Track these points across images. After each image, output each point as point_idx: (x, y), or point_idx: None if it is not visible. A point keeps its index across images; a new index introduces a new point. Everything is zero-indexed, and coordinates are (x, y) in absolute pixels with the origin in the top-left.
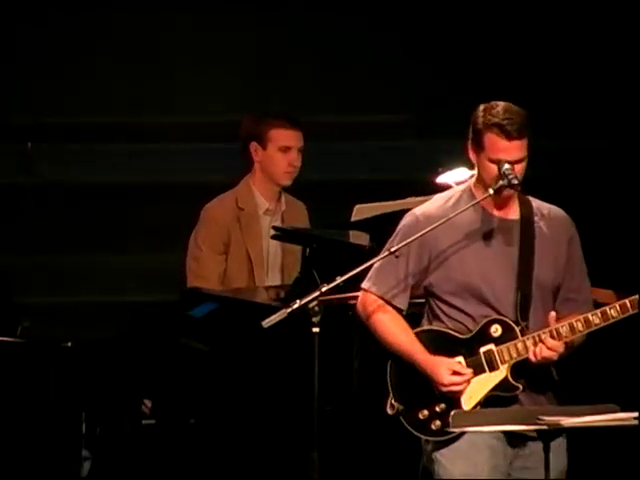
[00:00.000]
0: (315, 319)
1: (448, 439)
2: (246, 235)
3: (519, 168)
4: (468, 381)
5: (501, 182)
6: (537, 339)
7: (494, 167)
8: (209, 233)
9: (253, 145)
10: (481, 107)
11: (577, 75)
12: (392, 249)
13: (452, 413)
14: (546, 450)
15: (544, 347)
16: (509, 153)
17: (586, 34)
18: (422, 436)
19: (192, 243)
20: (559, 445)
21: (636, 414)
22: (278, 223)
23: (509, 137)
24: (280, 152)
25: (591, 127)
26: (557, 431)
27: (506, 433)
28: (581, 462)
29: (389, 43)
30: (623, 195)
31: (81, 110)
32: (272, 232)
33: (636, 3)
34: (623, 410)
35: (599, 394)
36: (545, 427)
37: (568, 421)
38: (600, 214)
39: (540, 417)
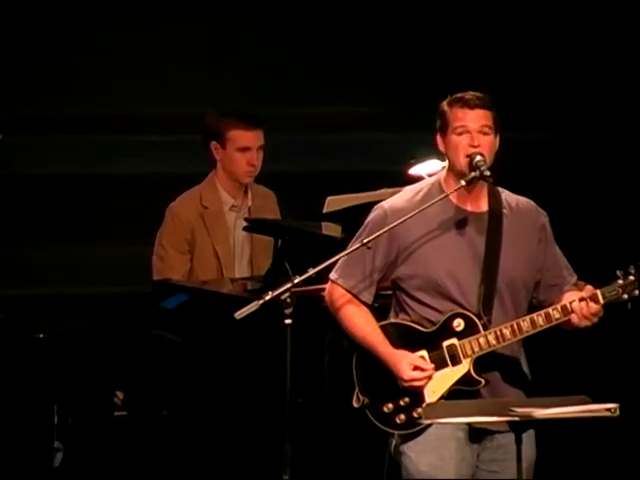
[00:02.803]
0: (287, 311)
1: (413, 432)
2: (212, 233)
3: (485, 141)
4: (430, 376)
5: (473, 174)
6: (498, 334)
7: (461, 139)
8: (173, 232)
9: (213, 144)
10: None
11: (553, 68)
12: (364, 241)
13: (424, 405)
14: (518, 442)
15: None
16: (472, 120)
17: (559, 26)
18: (387, 429)
19: (157, 242)
20: (528, 436)
21: (608, 405)
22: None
23: (471, 106)
24: (239, 152)
25: (566, 119)
26: (529, 423)
27: (472, 426)
28: (550, 453)
29: (360, 35)
30: (601, 187)
31: (51, 102)
32: (243, 224)
33: None
34: (594, 401)
35: (569, 386)
36: (517, 418)
37: (540, 412)
38: (577, 206)
39: (512, 408)
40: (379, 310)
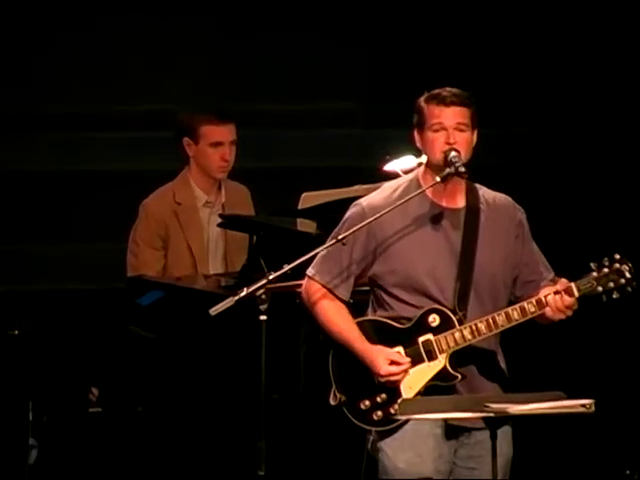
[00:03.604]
0: (262, 307)
1: (390, 429)
2: (186, 229)
3: (461, 138)
4: (407, 371)
5: (448, 170)
6: (474, 328)
7: (437, 136)
8: (146, 229)
9: (186, 140)
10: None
11: (529, 64)
12: (340, 237)
13: (399, 400)
14: (493, 438)
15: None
16: (447, 117)
17: (533, 23)
18: (364, 426)
19: (131, 239)
20: (505, 433)
21: (583, 401)
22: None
23: (447, 103)
24: (212, 147)
25: (544, 115)
26: (504, 418)
27: (449, 423)
28: (527, 450)
29: (338, 30)
30: (577, 182)
31: (29, 99)
32: (218, 221)
33: None
34: (569, 397)
35: (544, 382)
36: (492, 414)
37: (515, 409)
38: (554, 201)
39: (487, 404)
40: (355, 306)
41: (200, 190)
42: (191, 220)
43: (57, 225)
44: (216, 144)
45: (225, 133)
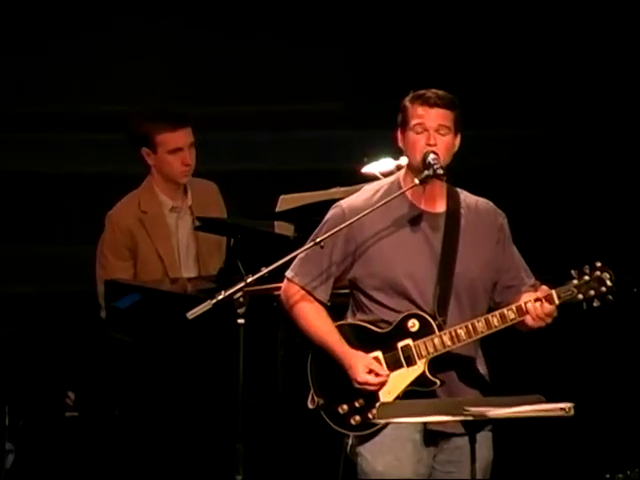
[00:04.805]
0: (240, 310)
1: (368, 434)
2: (154, 237)
3: (442, 140)
4: (384, 382)
5: (426, 172)
6: (453, 334)
7: (418, 137)
8: (113, 241)
9: (144, 150)
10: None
11: (514, 65)
12: (317, 239)
13: (377, 404)
14: (472, 441)
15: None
16: (429, 118)
17: (519, 24)
18: (342, 431)
19: (99, 251)
20: (484, 438)
21: (562, 405)
22: (187, 218)
23: (430, 104)
24: (171, 155)
25: (526, 116)
26: (483, 422)
27: (429, 428)
28: (507, 455)
29: (325, 31)
30: (560, 185)
31: (15, 99)
32: (186, 225)
33: None
34: (548, 401)
35: (524, 386)
36: (471, 418)
37: (494, 412)
38: (538, 204)
39: (466, 408)
40: (334, 309)
41: (165, 196)
42: (158, 227)
43: (55, 226)
44: (175, 150)
45: (182, 138)
